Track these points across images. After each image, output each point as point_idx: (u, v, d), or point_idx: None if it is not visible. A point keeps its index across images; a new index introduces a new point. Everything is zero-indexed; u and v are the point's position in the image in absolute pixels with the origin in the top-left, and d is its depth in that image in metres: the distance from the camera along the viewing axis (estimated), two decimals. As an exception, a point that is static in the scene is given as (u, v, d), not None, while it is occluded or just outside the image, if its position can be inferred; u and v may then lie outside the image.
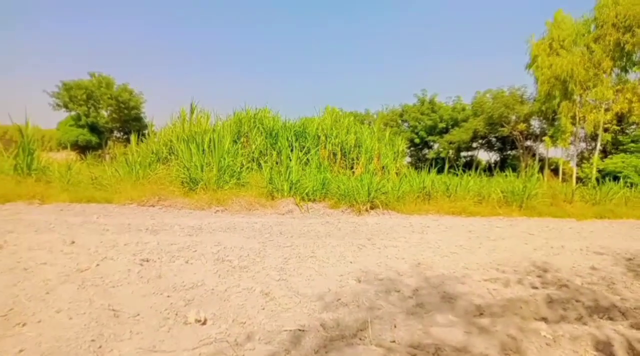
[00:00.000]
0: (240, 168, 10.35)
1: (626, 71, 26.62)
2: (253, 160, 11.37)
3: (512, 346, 2.40)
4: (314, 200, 9.61)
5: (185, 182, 8.90)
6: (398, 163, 14.45)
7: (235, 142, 11.48)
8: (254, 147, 11.68)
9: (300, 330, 2.52)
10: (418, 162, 40.18)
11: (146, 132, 12.91)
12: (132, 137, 11.38)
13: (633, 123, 30.24)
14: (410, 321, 2.72)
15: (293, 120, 14.15)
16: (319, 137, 13.12)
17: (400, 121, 46.21)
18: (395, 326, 2.54)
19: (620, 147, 28.91)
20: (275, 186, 9.36)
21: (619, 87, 26.64)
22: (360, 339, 2.33)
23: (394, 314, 2.84)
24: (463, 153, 45.77)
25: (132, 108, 37.10)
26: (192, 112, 12.06)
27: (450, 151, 42.72)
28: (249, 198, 8.57)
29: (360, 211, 9.20)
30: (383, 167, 13.57)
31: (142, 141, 11.64)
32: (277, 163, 11.16)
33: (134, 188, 8.29)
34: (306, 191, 9.53)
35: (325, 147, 12.94)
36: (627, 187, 15.91)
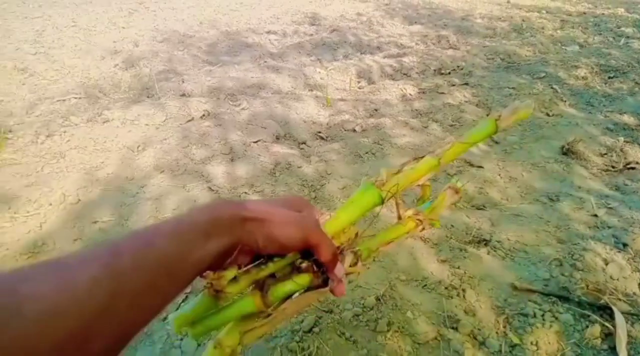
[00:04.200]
0: None
1: None
2: None
3: (298, 82, 2.67)
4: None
5: None
6: None
7: None
8: None
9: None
10: None
11: None
12: None
13: None
14: (208, 68, 2.73)
15: None
16: None
17: None
18: (195, 74, 2.55)
19: None
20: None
21: None
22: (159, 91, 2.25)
23: (191, 65, 2.81)
24: None
25: None
26: None
27: None
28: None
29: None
30: None
31: None
32: None
33: None
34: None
35: None
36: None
